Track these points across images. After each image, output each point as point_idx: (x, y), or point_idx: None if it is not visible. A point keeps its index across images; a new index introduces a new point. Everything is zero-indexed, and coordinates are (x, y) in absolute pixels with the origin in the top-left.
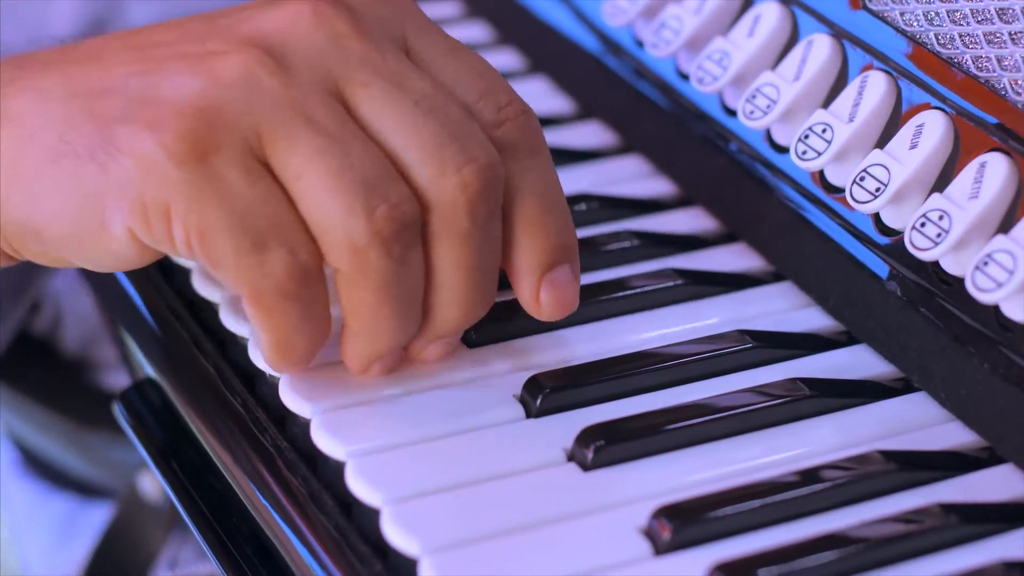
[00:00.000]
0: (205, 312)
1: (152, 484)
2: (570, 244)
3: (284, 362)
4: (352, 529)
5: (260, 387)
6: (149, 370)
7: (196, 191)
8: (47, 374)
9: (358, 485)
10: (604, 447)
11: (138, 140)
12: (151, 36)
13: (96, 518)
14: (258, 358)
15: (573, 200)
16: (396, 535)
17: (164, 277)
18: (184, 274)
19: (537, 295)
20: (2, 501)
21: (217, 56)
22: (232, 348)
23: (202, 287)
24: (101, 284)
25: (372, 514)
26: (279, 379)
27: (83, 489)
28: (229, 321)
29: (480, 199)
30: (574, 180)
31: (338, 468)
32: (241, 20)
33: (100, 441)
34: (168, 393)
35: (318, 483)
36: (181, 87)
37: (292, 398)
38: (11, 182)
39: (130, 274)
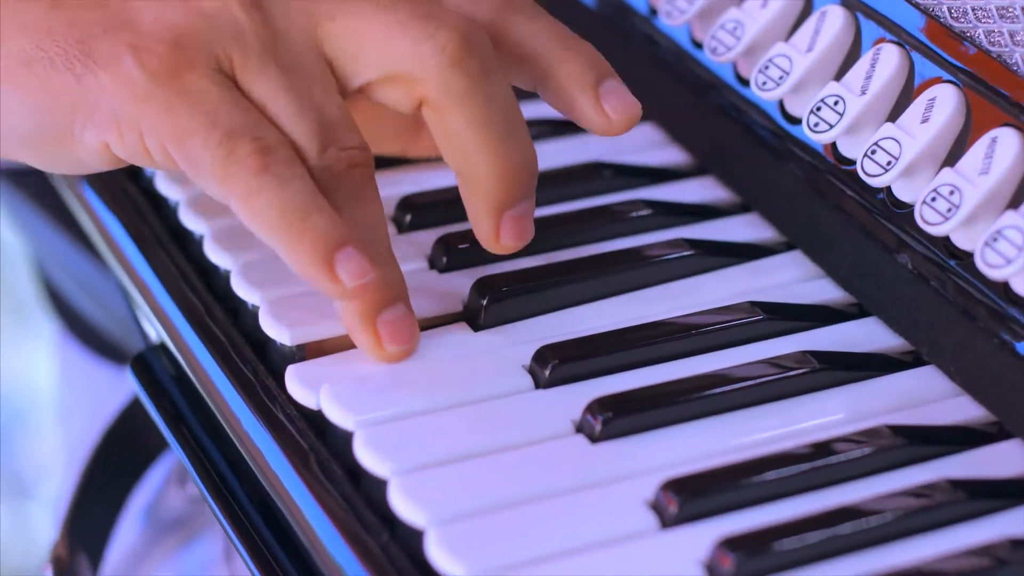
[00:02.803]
0: (216, 279)
1: None
2: (605, 62)
3: (308, 259)
4: (360, 499)
5: (270, 355)
6: (162, 335)
7: (168, 102)
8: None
9: (366, 455)
10: (612, 419)
11: (117, 57)
12: None
13: (127, 390)
14: (269, 326)
15: (586, 169)
16: (403, 506)
17: (176, 243)
18: (196, 241)
19: (601, 108)
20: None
21: None
22: (243, 315)
23: (214, 253)
24: (112, 247)
25: (380, 484)
26: (290, 350)
27: (118, 356)
28: (240, 287)
29: (465, 54)
30: (587, 148)
31: (347, 437)
32: None
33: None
34: (180, 360)
35: (327, 452)
36: (162, 12)
37: (300, 374)
38: None
39: (141, 240)
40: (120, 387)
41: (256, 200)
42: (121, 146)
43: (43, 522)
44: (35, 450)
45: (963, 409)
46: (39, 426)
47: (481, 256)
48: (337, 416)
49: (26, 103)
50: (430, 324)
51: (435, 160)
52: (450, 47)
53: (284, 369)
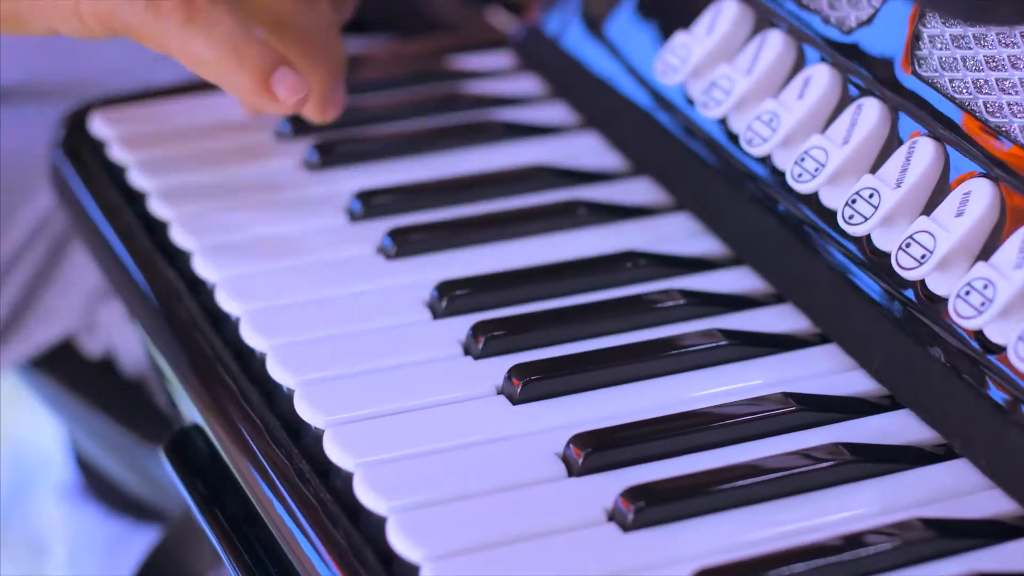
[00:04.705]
0: (252, 362)
1: None
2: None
3: (249, 89)
4: None
5: (305, 438)
6: (195, 417)
7: None
8: (112, 390)
9: (399, 541)
10: (645, 508)
11: None
12: None
13: (148, 537)
14: (303, 409)
15: (621, 257)
16: None
17: (212, 326)
18: (232, 324)
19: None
20: (62, 526)
21: None
22: (278, 399)
23: (250, 336)
24: (149, 330)
25: (412, 570)
26: (324, 432)
27: (139, 512)
28: (275, 371)
29: None
30: (623, 237)
31: (380, 523)
32: None
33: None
34: (214, 442)
35: (360, 537)
36: None
37: (336, 451)
38: None
39: (176, 322)
40: (139, 537)
41: (191, 48)
42: (65, 24)
43: None
44: (48, 511)
45: (995, 502)
46: (51, 486)
47: (516, 343)
48: (371, 501)
49: None
50: None
51: (471, 243)
52: None
53: (318, 454)
